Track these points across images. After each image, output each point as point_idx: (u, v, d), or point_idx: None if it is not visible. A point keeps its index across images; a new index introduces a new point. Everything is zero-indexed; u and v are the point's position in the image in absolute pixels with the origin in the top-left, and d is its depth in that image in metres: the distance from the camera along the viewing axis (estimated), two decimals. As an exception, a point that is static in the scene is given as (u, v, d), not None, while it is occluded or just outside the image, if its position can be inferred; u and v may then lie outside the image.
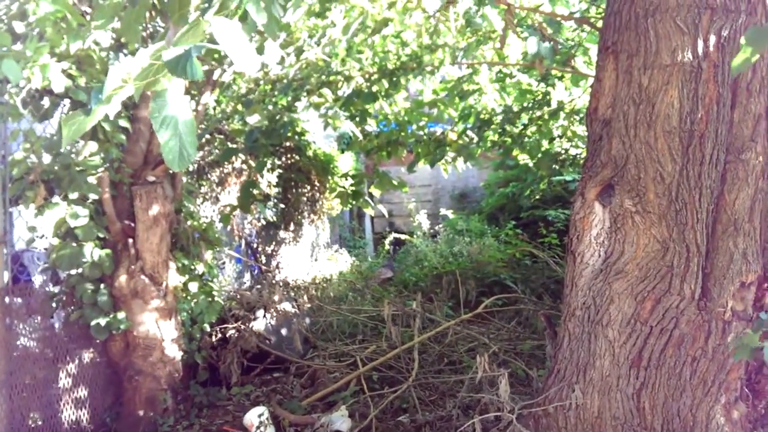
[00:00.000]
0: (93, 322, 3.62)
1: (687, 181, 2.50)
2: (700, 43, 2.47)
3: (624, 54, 2.65)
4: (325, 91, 4.70)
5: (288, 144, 6.96)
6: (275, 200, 6.97)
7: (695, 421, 2.48)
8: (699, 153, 2.49)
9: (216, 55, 4.38)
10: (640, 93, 2.57)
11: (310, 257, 8.67)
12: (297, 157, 7.15)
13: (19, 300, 3.58)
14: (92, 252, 3.62)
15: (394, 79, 4.07)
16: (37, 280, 4.35)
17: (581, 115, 4.55)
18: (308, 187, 7.68)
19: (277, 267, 7.22)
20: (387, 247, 9.47)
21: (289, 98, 4.11)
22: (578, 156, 4.80)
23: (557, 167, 4.95)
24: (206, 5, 2.06)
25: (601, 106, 2.79)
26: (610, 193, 2.65)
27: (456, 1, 3.28)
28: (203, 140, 5.33)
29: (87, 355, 3.76)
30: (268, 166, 6.27)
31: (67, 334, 3.68)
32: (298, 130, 6.98)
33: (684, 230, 2.51)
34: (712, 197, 2.54)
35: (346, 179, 7.37)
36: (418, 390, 3.95)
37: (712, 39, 2.48)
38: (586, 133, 3.02)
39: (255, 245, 7.10)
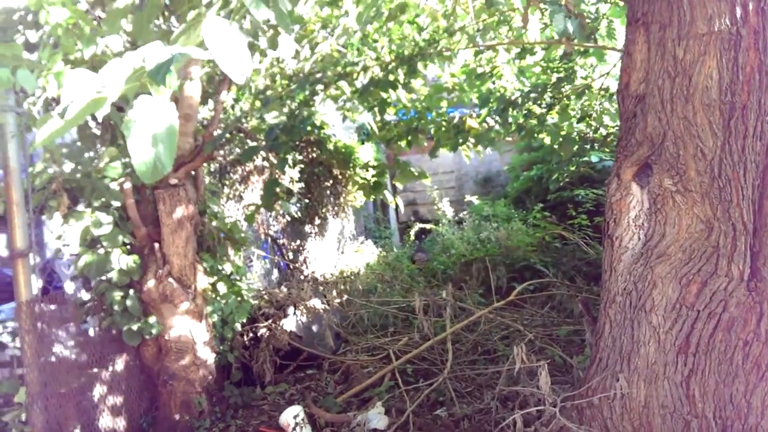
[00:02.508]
0: (125, 328, 3.63)
1: (730, 156, 2.36)
2: (738, 9, 2.32)
3: (656, 25, 2.51)
4: (342, 83, 4.61)
5: (308, 138, 6.92)
6: (299, 195, 6.94)
7: (750, 407, 2.36)
8: (742, 126, 2.35)
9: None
10: (675, 65, 2.42)
11: (337, 250, 8.65)
12: (318, 151, 7.11)
13: (52, 307, 3.60)
14: (119, 258, 3.61)
15: (412, 66, 3.96)
16: (69, 287, 4.39)
17: (609, 93, 4.38)
18: (331, 181, 7.65)
19: (304, 262, 7.21)
20: (412, 237, 9.40)
21: (307, 93, 4.03)
22: (609, 136, 4.62)
23: (584, 148, 4.77)
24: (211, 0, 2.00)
25: (633, 81, 2.65)
26: (648, 173, 2.52)
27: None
28: (223, 140, 5.30)
29: (121, 362, 3.78)
30: (290, 162, 6.23)
31: (100, 341, 3.69)
32: (318, 123, 6.93)
33: (729, 208, 2.37)
34: (758, 172, 2.39)
35: (367, 170, 7.30)
36: (454, 382, 3.88)
37: (751, 4, 2.32)
38: (615, 112, 2.87)
39: (281, 241, 7.09)
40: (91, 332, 3.76)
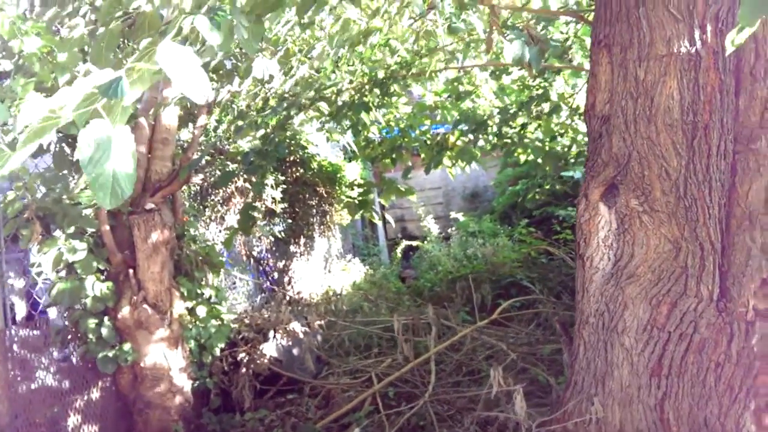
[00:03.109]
0: (100, 355, 3.58)
1: (695, 176, 2.36)
2: (697, 30, 2.33)
3: (617, 47, 2.52)
4: (321, 104, 4.62)
5: (291, 158, 6.91)
6: (283, 216, 6.90)
7: (724, 430, 2.33)
8: (705, 145, 2.35)
9: (213, 75, 4.31)
10: (637, 86, 2.44)
11: (324, 269, 8.60)
12: (302, 171, 7.10)
13: (28, 335, 3.56)
14: (93, 285, 3.57)
15: (384, 88, 3.96)
16: (52, 312, 4.33)
17: (579, 113, 4.41)
18: (316, 200, 7.63)
19: (289, 283, 7.15)
20: (398, 255, 9.37)
21: (282, 117, 4.03)
22: (584, 152, 4.65)
23: (564, 164, 4.79)
24: (164, 28, 1.99)
25: (598, 102, 2.66)
26: (615, 193, 2.52)
27: (436, 6, 3.16)
28: (203, 163, 5.28)
29: (96, 390, 3.71)
30: (271, 182, 6.21)
31: (76, 368, 3.63)
32: (302, 143, 6.93)
33: (696, 227, 2.37)
34: (724, 191, 2.40)
35: (353, 189, 7.29)
36: (436, 405, 3.83)
37: (709, 25, 2.34)
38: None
39: (265, 262, 7.04)
40: (73, 360, 3.70)
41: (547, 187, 5.50)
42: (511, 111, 4.19)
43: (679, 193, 2.37)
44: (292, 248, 7.36)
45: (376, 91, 4.03)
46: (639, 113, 2.41)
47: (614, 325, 2.51)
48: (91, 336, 3.57)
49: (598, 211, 2.55)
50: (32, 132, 1.60)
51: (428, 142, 5.60)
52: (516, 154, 4.71)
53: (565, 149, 4.68)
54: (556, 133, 4.93)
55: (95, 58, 2.30)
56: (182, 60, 1.54)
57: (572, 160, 4.90)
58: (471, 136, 4.98)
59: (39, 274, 3.60)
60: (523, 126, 4.38)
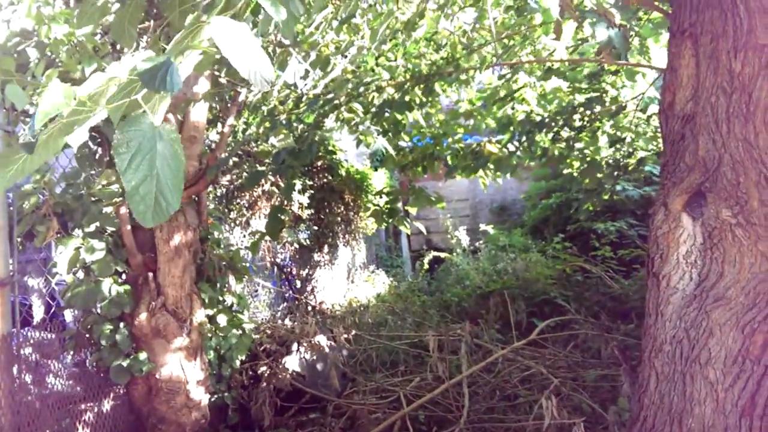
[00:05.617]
0: (113, 364, 3.33)
1: (800, 184, 2.04)
2: (806, 16, 2.02)
3: (706, 36, 2.22)
4: (356, 105, 4.37)
5: (319, 164, 6.68)
6: (308, 222, 6.67)
7: (832, 484, 1.99)
8: (813, 149, 2.03)
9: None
10: (731, 80, 2.12)
11: (347, 279, 8.33)
12: (329, 177, 6.87)
13: (37, 339, 3.34)
14: (110, 288, 3.34)
15: (428, 86, 3.69)
16: (69, 315, 4.11)
17: (648, 116, 4.06)
18: (342, 207, 7.39)
19: (312, 292, 6.89)
20: (425, 266, 9.06)
21: (316, 115, 3.77)
22: (642, 162, 4.27)
23: (614, 175, 4.44)
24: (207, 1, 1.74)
25: (678, 100, 2.35)
26: (701, 203, 2.20)
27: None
28: (230, 163, 5.06)
29: (108, 401, 3.47)
30: (299, 187, 5.99)
31: (87, 378, 3.39)
32: (330, 148, 6.71)
33: (800, 245, 2.04)
34: (833, 202, 2.06)
35: (381, 197, 7.04)
36: (471, 432, 3.51)
37: (821, 10, 2.03)
38: (651, 135, 2.57)
39: (289, 269, 6.79)
40: (87, 367, 3.47)
41: (605, 197, 5.14)
42: (569, 111, 3.85)
43: (781, 203, 2.04)
44: (316, 256, 7.11)
45: (417, 91, 3.75)
46: (733, 111, 2.10)
47: (696, 354, 2.18)
48: (104, 342, 3.32)
49: (679, 223, 2.24)
50: (58, 128, 1.33)
51: (461, 151, 5.32)
52: (569, 161, 4.38)
53: (616, 160, 4.33)
54: (603, 147, 4.56)
55: (117, 33, 2.06)
56: (240, 37, 1.25)
57: (625, 171, 4.52)
58: (511, 146, 4.67)
59: (55, 274, 3.39)
60: (580, 130, 4.04)
